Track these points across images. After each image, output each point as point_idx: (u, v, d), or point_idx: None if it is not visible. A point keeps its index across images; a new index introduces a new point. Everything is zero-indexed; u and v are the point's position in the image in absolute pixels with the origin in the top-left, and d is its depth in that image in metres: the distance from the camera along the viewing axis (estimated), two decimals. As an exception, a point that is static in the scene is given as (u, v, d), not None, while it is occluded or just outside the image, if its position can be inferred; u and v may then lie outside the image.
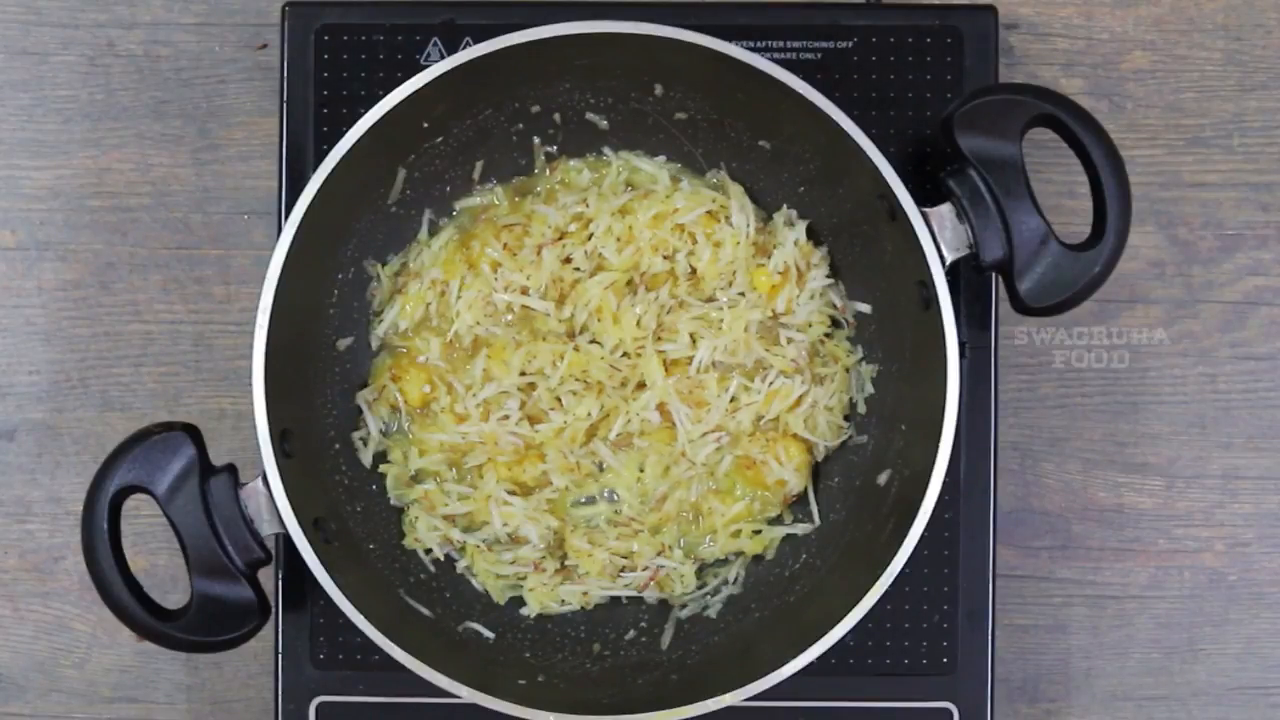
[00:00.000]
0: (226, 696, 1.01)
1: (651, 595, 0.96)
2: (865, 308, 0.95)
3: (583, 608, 0.96)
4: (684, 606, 0.95)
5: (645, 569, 0.95)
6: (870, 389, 0.95)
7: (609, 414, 0.95)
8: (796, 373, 0.94)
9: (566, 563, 0.96)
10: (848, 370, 0.96)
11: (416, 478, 0.96)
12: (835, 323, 0.96)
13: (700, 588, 0.96)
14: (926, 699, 0.94)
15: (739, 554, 0.96)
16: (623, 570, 0.96)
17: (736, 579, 0.96)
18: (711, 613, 0.95)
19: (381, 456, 0.96)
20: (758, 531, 0.96)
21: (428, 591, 0.95)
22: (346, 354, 0.96)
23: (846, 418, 0.96)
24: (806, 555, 0.95)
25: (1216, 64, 1.01)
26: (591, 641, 0.95)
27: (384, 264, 0.96)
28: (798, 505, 0.96)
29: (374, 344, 0.96)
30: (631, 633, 0.95)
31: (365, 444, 0.96)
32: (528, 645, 0.94)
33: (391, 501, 0.96)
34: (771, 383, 0.94)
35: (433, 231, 0.97)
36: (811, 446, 0.96)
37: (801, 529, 0.96)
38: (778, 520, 0.96)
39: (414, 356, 0.96)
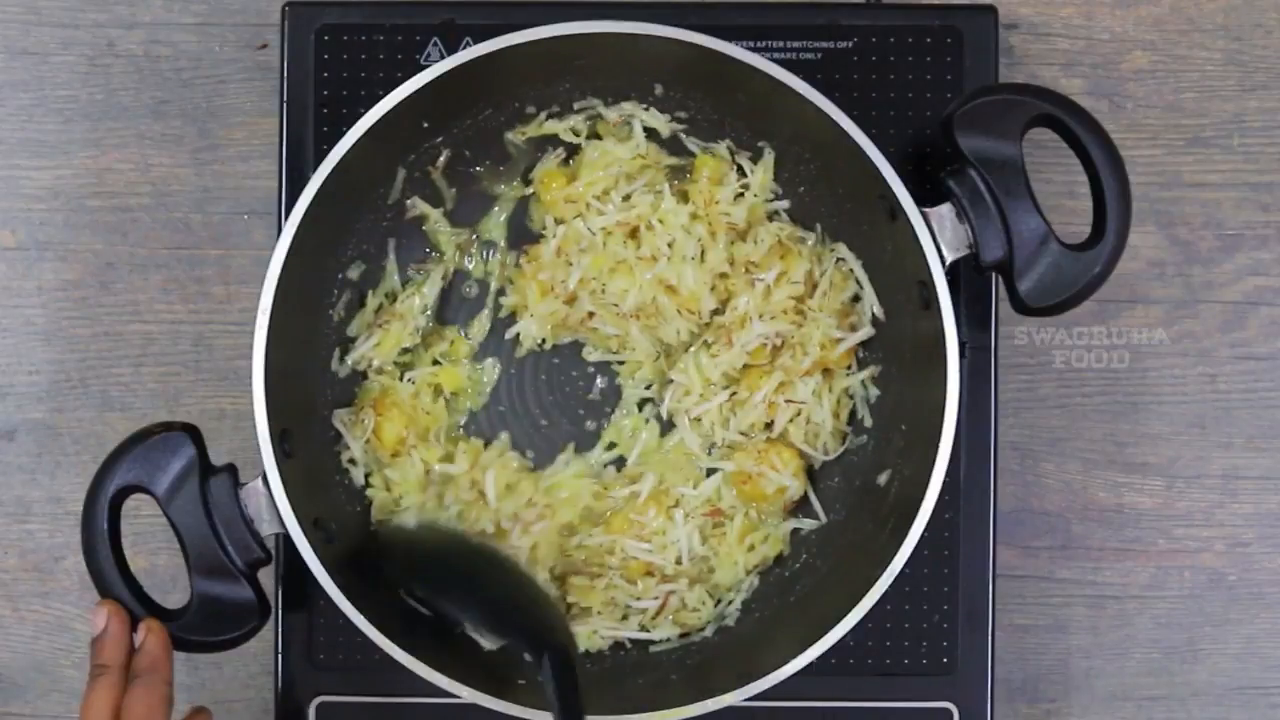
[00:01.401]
0: (226, 696, 1.01)
1: (670, 633, 0.94)
2: (871, 331, 0.95)
3: (588, 651, 0.94)
4: (703, 628, 0.95)
5: (655, 598, 0.94)
6: (875, 392, 0.95)
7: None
8: (808, 374, 0.94)
9: (569, 599, 0.94)
10: (847, 391, 0.95)
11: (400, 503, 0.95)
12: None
13: (717, 603, 0.95)
14: (926, 699, 0.94)
15: (758, 564, 0.95)
16: (629, 605, 0.94)
17: (749, 586, 0.96)
18: (730, 622, 0.95)
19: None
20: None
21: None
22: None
23: (848, 422, 0.96)
24: (806, 555, 0.95)
25: (1216, 64, 1.01)
26: None
27: (374, 288, 0.95)
28: (800, 509, 0.96)
29: (340, 371, 0.95)
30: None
31: (355, 464, 0.94)
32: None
33: (373, 527, 0.94)
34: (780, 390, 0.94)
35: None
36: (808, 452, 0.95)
37: (809, 524, 0.96)
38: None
39: (391, 394, 0.94)
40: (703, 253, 0.94)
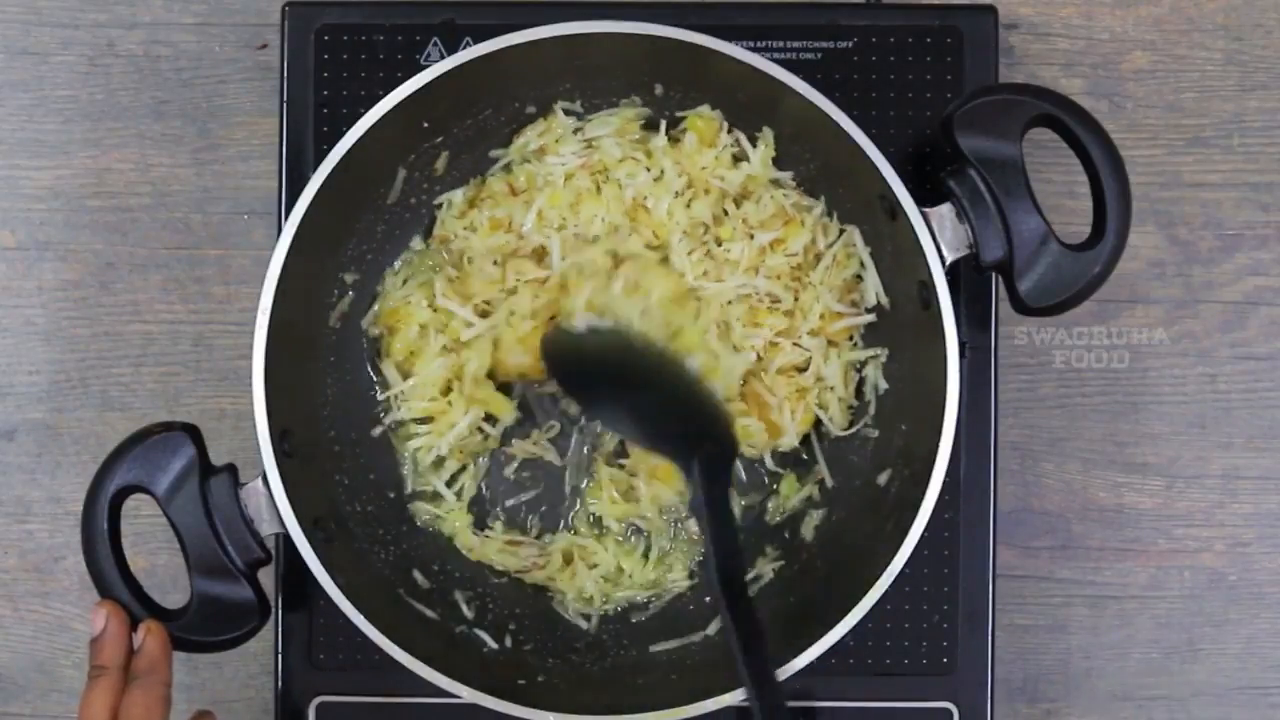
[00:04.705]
0: (226, 696, 1.01)
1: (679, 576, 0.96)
2: (871, 317, 0.95)
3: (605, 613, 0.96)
4: (711, 622, 0.95)
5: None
6: (884, 385, 0.95)
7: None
8: (814, 335, 0.95)
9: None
10: (854, 364, 0.96)
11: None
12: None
13: None
14: (926, 699, 0.94)
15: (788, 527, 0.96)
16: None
17: (760, 577, 0.96)
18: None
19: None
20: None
21: (428, 592, 0.95)
22: (347, 353, 0.96)
23: (853, 408, 0.96)
24: (807, 556, 0.95)
25: (1216, 64, 1.01)
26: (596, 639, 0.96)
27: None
28: (789, 466, 0.96)
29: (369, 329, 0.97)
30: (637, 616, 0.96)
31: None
32: (528, 645, 0.95)
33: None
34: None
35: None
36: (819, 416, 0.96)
37: (813, 490, 0.96)
38: (797, 471, 0.97)
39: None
40: (689, 203, 0.94)
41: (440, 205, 0.96)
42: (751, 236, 0.94)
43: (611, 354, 0.92)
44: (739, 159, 0.95)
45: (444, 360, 0.95)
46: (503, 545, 0.96)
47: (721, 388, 0.94)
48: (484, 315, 0.95)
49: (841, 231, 0.95)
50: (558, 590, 0.96)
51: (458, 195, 0.96)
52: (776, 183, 0.95)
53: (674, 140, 0.95)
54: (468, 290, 0.95)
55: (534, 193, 0.95)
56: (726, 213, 0.95)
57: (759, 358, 0.95)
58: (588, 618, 0.96)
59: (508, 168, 0.96)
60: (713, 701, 0.85)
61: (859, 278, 0.95)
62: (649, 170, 0.94)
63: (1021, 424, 1.01)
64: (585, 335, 0.92)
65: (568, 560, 0.96)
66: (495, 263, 0.95)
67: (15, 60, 1.02)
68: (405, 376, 0.95)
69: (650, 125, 0.96)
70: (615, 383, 0.91)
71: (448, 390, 0.95)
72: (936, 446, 0.85)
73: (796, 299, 0.94)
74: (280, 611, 0.94)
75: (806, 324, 0.94)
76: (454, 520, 0.96)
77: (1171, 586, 1.01)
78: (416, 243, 0.96)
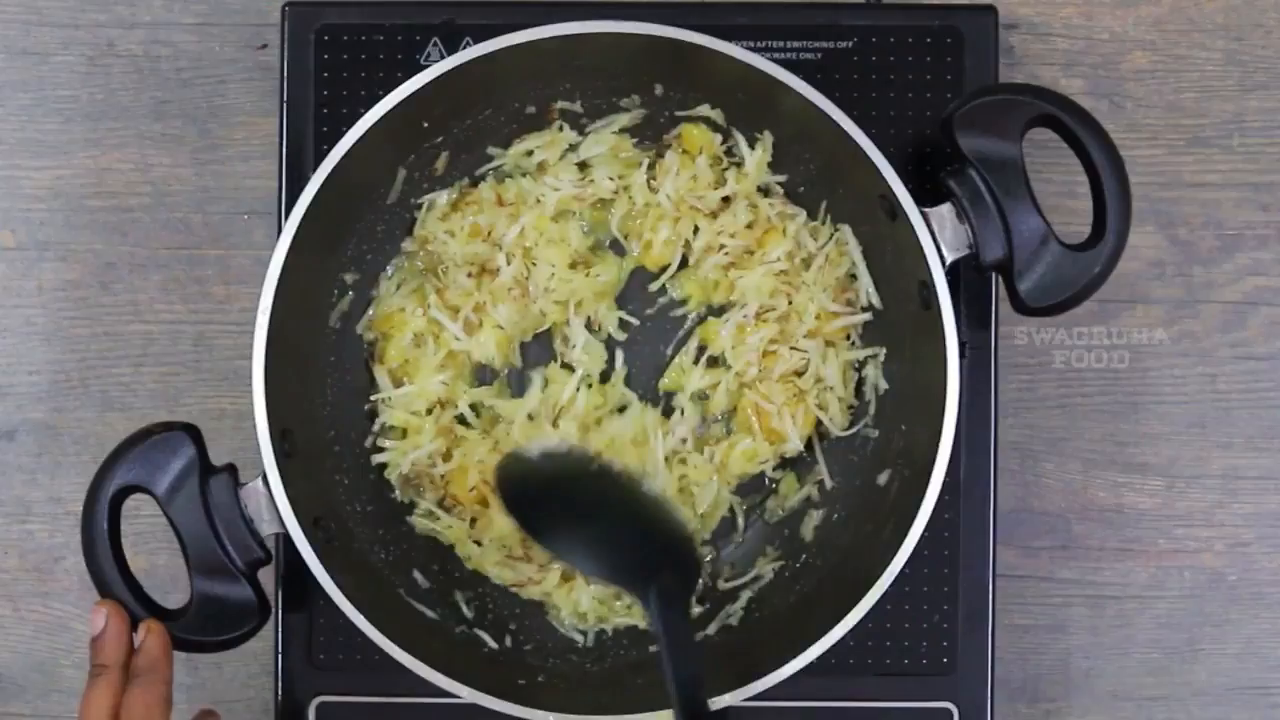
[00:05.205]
0: (226, 696, 1.01)
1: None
2: (867, 316, 0.95)
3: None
4: (711, 622, 0.95)
5: None
6: (884, 385, 0.95)
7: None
8: (812, 336, 0.95)
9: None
10: (852, 364, 0.96)
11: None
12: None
13: (733, 578, 0.96)
14: (926, 699, 0.94)
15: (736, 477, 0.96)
16: None
17: (760, 577, 0.96)
18: (733, 621, 0.95)
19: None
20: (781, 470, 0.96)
21: (428, 592, 0.95)
22: (347, 353, 0.96)
23: (853, 408, 0.96)
24: (806, 556, 0.95)
25: (1216, 64, 1.01)
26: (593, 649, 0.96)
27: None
28: (789, 465, 0.96)
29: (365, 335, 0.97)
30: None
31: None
32: (528, 645, 0.95)
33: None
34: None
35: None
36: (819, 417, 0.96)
37: (813, 490, 0.96)
38: (797, 470, 0.96)
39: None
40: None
41: (422, 205, 0.96)
42: (724, 250, 0.94)
43: (565, 480, 0.88)
44: (728, 167, 0.95)
45: (442, 377, 0.94)
46: (501, 559, 0.96)
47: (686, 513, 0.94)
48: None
49: (834, 232, 0.95)
50: (553, 605, 0.96)
51: (442, 197, 0.96)
52: (765, 190, 0.95)
53: (665, 147, 0.95)
54: (450, 300, 0.95)
55: (521, 207, 0.95)
56: (696, 229, 0.95)
57: (759, 372, 0.95)
58: (583, 633, 0.96)
59: (499, 175, 0.96)
60: (713, 701, 0.85)
61: (853, 276, 0.95)
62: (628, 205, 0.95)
63: (1021, 424, 1.01)
64: (539, 461, 0.89)
65: (565, 578, 0.96)
66: (469, 274, 0.95)
67: (15, 60, 1.02)
68: (397, 384, 0.95)
69: (646, 134, 0.96)
70: (569, 511, 0.86)
71: (431, 410, 0.95)
72: (936, 446, 0.85)
73: (790, 302, 0.94)
74: (280, 611, 0.94)
75: (803, 325, 0.94)
76: (453, 535, 0.96)
77: (1171, 586, 1.01)
78: (408, 244, 0.96)
